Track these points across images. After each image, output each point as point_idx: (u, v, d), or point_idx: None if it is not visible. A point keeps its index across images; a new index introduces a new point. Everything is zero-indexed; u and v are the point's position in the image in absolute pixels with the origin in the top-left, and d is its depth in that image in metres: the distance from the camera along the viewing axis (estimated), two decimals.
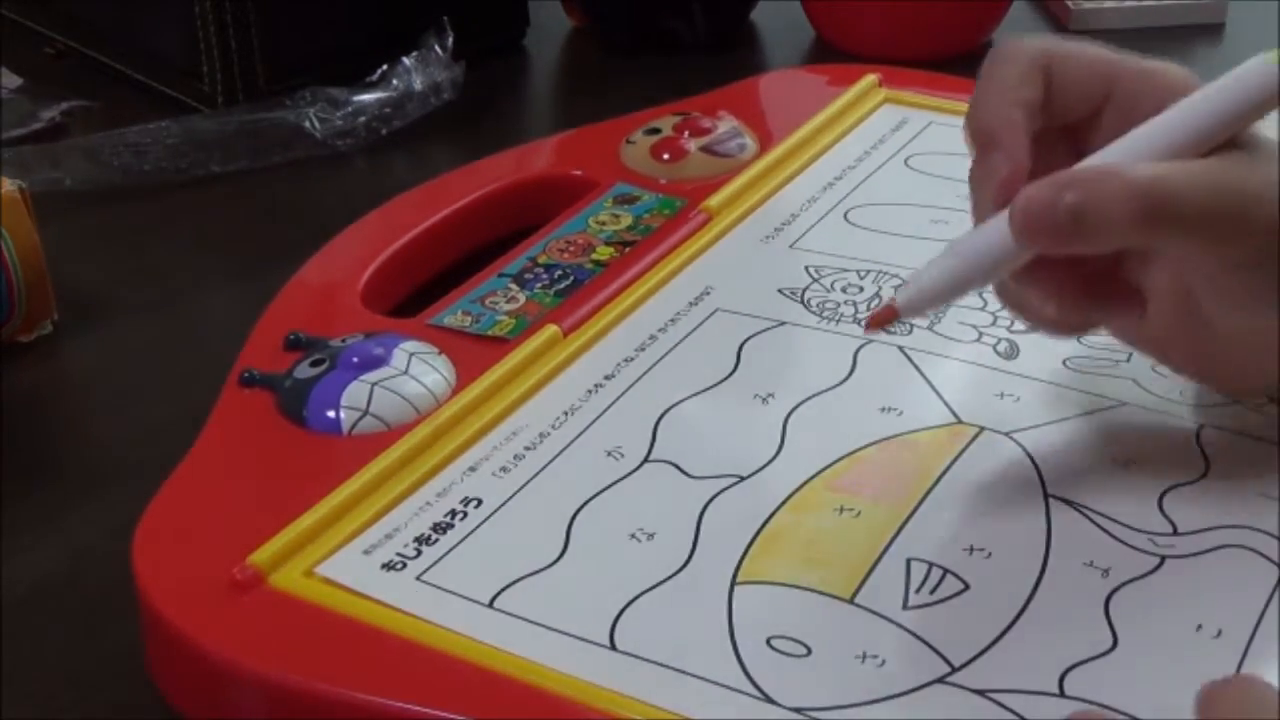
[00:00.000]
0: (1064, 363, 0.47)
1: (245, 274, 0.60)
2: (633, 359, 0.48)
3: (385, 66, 0.72)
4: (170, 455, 0.44)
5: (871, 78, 0.66)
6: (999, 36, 0.80)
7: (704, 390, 0.46)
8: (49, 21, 0.80)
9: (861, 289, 0.51)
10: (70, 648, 0.43)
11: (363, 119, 0.70)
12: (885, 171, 0.59)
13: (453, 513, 0.42)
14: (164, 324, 0.58)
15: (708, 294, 0.51)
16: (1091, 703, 0.35)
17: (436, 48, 0.73)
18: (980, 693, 0.36)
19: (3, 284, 0.54)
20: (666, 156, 0.59)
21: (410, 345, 0.48)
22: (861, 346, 0.48)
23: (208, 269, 0.62)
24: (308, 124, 0.70)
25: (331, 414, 0.45)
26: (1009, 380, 0.46)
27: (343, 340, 0.48)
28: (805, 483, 0.42)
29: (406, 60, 0.72)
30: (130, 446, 0.51)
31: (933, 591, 0.39)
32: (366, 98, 0.71)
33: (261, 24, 0.72)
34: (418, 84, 0.72)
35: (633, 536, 0.41)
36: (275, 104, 0.70)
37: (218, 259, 0.63)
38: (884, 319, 0.41)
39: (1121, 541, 0.40)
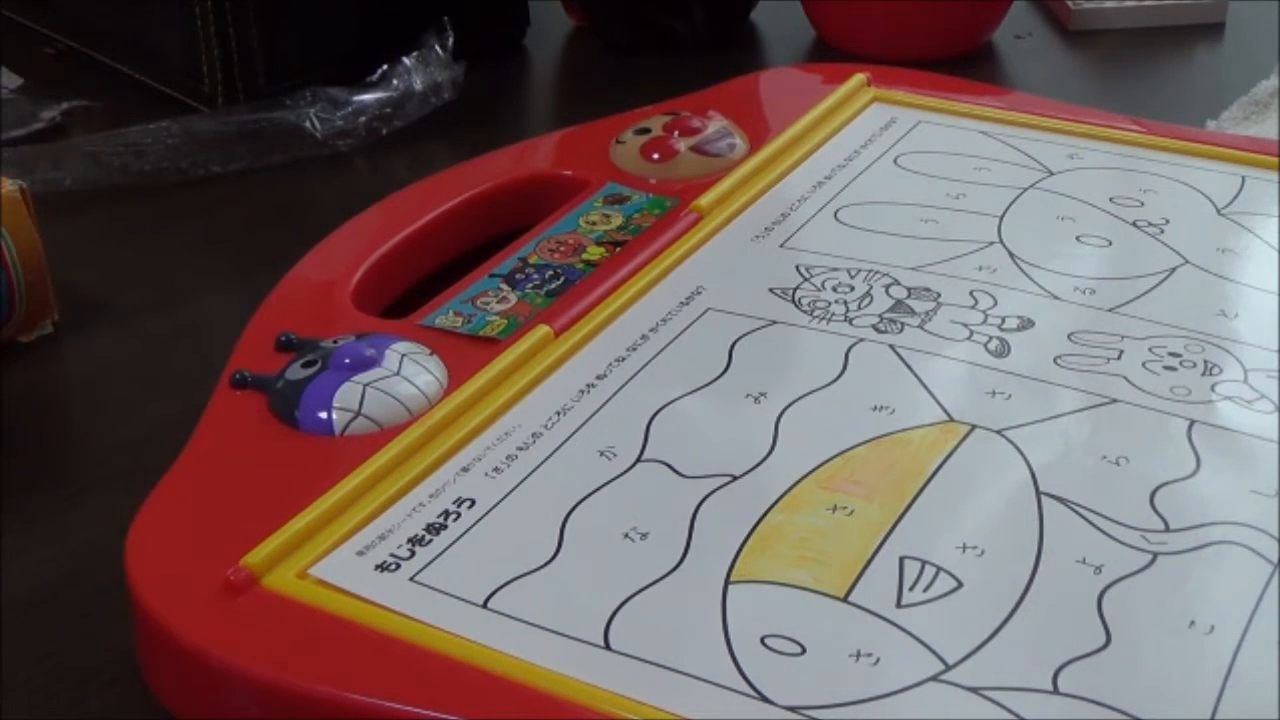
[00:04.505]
0: (1055, 360, 0.47)
1: (245, 274, 0.60)
2: (624, 359, 0.48)
3: (385, 66, 0.72)
4: (171, 455, 0.45)
5: (860, 77, 0.66)
6: (999, 36, 0.81)
7: (696, 390, 0.46)
8: (49, 21, 0.80)
9: (852, 288, 0.51)
10: (70, 648, 0.43)
11: (363, 119, 0.71)
12: (875, 170, 0.59)
13: (446, 513, 0.42)
14: (164, 324, 0.58)
15: (699, 294, 0.51)
16: (1085, 700, 0.35)
17: (436, 48, 0.73)
18: (974, 690, 0.36)
19: (3, 284, 0.54)
20: (656, 156, 0.59)
21: (402, 346, 0.48)
22: (853, 345, 0.48)
23: (208, 269, 0.63)
24: (308, 124, 0.70)
25: (324, 415, 0.45)
26: (1001, 378, 0.46)
27: (334, 341, 0.48)
28: (798, 482, 0.42)
29: (406, 60, 0.72)
30: (131, 447, 0.51)
31: (926, 589, 0.39)
32: (366, 98, 0.71)
33: (261, 24, 0.72)
34: (418, 84, 0.72)
35: (626, 536, 0.41)
36: (275, 104, 0.70)
37: (218, 259, 0.64)
38: None
39: (1113, 539, 0.40)
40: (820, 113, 0.63)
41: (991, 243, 0.54)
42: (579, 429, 0.45)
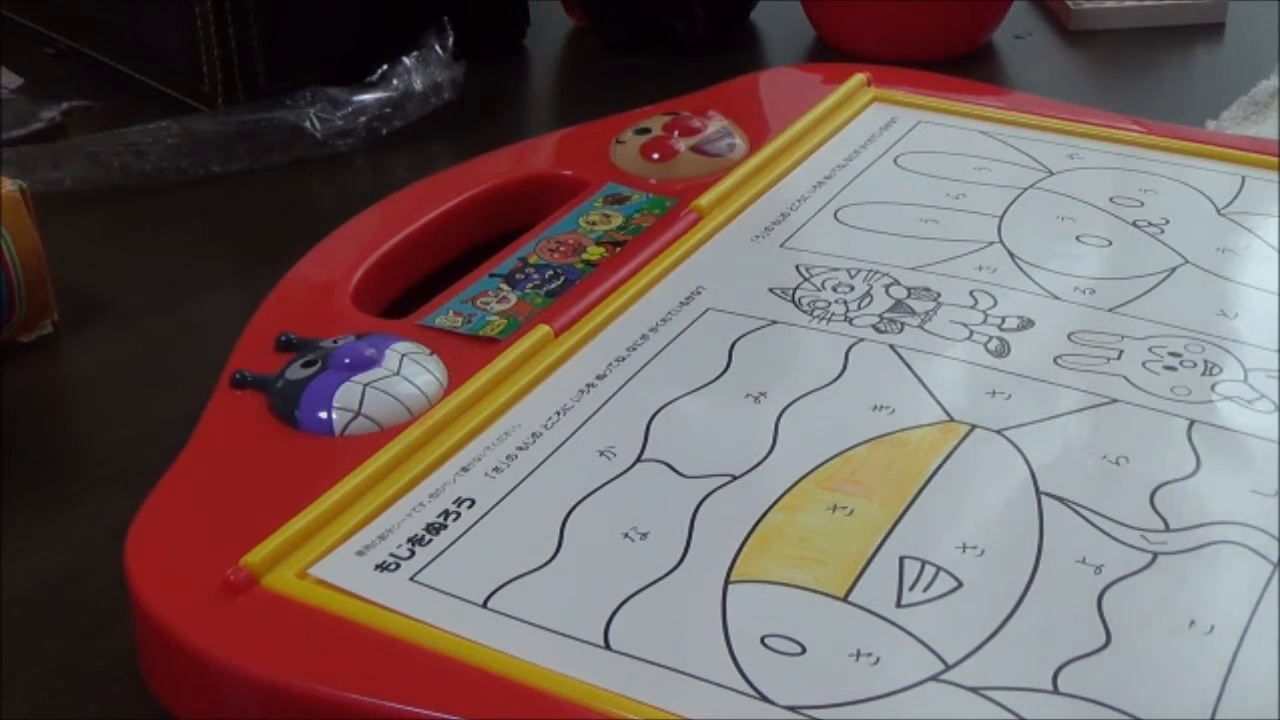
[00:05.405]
0: (1055, 360, 0.47)
1: (245, 274, 0.60)
2: (624, 359, 0.48)
3: (385, 66, 0.72)
4: (170, 455, 0.44)
5: (860, 77, 0.66)
6: (999, 36, 0.81)
7: (696, 390, 0.46)
8: (49, 21, 0.80)
9: (852, 288, 0.51)
10: (70, 648, 0.43)
11: (363, 119, 0.71)
12: (875, 170, 0.59)
13: (446, 513, 0.42)
14: (164, 324, 0.58)
15: (698, 293, 0.51)
16: (1085, 699, 0.35)
17: (436, 48, 0.73)
18: (974, 690, 0.36)
19: (3, 284, 0.54)
20: (656, 156, 0.59)
21: (402, 346, 0.48)
22: (853, 345, 0.48)
23: (208, 269, 0.63)
24: (308, 124, 0.70)
25: (324, 415, 0.45)
26: (1000, 378, 0.46)
27: (334, 341, 0.48)
28: (798, 481, 0.42)
29: (406, 60, 0.72)
30: (130, 447, 0.51)
31: (926, 589, 0.39)
32: (366, 98, 0.71)
33: (261, 24, 0.72)
34: (418, 84, 0.72)
35: (626, 536, 0.41)
36: (275, 104, 0.70)
37: (218, 259, 0.64)
38: None
39: (1113, 538, 0.40)
40: (820, 113, 0.63)
41: (991, 243, 0.54)
42: (579, 429, 0.45)
